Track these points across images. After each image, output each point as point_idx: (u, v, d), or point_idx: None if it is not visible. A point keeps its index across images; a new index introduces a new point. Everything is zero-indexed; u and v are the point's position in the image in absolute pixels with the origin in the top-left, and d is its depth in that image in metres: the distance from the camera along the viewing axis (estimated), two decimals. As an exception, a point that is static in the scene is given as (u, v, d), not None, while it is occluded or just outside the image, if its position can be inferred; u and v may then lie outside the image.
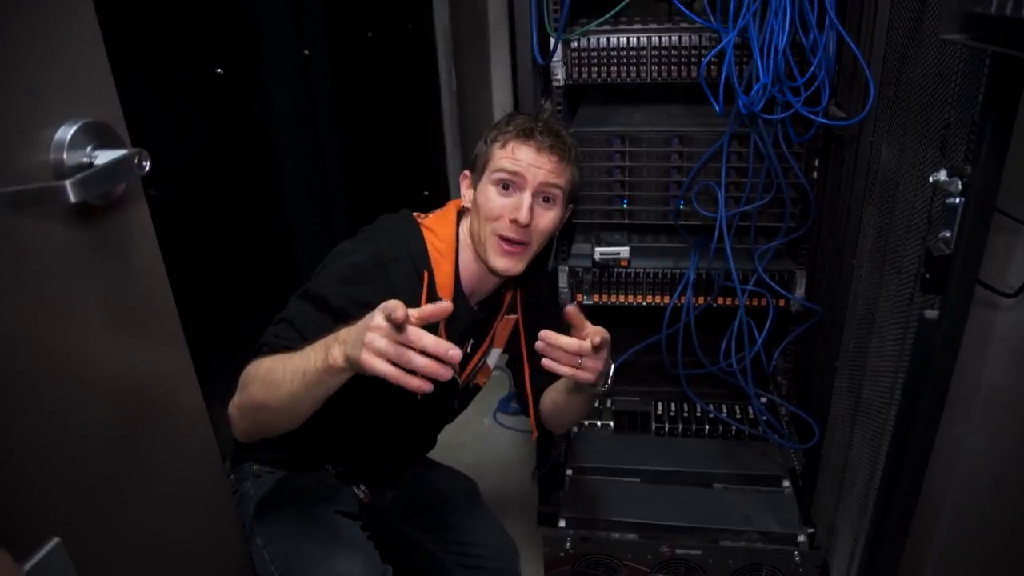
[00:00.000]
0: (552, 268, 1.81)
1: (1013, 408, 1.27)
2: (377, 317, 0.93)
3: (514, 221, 1.25)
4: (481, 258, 1.31)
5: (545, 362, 1.13)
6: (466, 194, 1.35)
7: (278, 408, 1.06)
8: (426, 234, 1.31)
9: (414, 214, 1.37)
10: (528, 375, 1.48)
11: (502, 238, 1.27)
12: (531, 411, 1.50)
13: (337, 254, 1.27)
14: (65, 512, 0.87)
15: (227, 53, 1.69)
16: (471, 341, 1.42)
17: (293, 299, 1.23)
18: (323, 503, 1.38)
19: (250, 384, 1.09)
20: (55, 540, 0.84)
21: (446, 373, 0.94)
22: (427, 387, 0.94)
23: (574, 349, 1.11)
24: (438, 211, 1.39)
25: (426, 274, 1.27)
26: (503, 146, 1.27)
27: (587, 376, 1.14)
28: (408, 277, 1.26)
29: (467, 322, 1.36)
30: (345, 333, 0.99)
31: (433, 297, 1.28)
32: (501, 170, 1.26)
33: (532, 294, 1.48)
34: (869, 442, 1.46)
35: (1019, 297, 1.18)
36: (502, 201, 1.27)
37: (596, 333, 1.13)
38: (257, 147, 1.86)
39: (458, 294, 1.32)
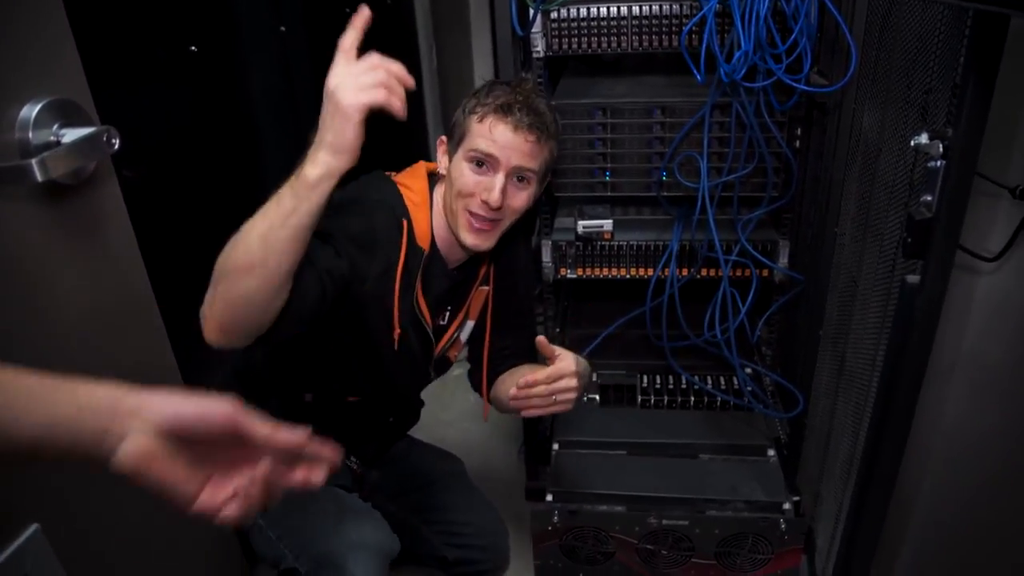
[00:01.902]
0: (535, 244, 1.80)
1: (993, 371, 1.28)
2: (344, 62, 0.94)
3: (485, 202, 1.24)
4: (451, 230, 1.30)
5: (525, 413, 1.20)
6: (441, 160, 1.35)
7: (250, 263, 0.95)
8: (401, 188, 1.31)
9: (386, 173, 1.37)
10: (487, 356, 1.48)
11: (472, 214, 1.26)
12: (484, 393, 1.50)
13: None
14: (44, 499, 0.86)
15: (201, 30, 1.66)
16: (448, 310, 1.42)
17: None
18: None
19: (219, 263, 0.98)
20: (34, 526, 0.83)
21: (409, 81, 0.96)
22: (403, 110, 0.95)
23: (544, 391, 1.16)
24: (408, 169, 1.39)
25: (405, 223, 1.26)
26: (480, 120, 1.25)
27: (565, 407, 1.19)
28: (388, 223, 1.25)
29: (443, 282, 1.36)
30: (312, 150, 0.97)
31: (412, 244, 1.27)
32: (476, 149, 1.25)
33: (506, 270, 1.47)
34: (852, 409, 1.47)
35: (1000, 261, 1.18)
36: (475, 179, 1.26)
37: (564, 357, 1.17)
38: (234, 126, 1.83)
39: (434, 247, 1.32)
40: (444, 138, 1.35)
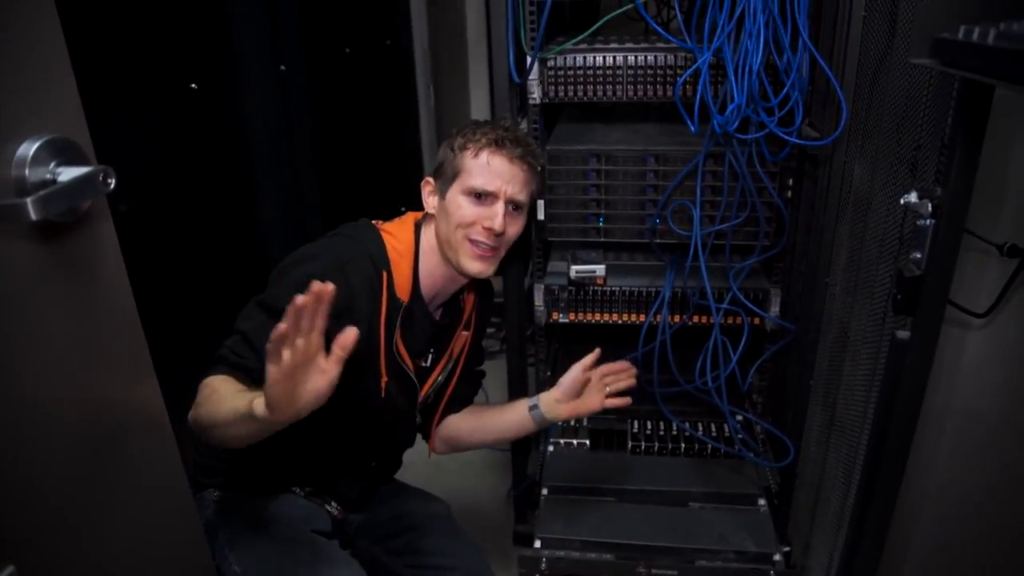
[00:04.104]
0: (528, 286, 1.80)
1: (983, 423, 1.28)
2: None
3: (488, 229, 1.27)
4: (452, 262, 1.32)
5: (613, 401, 1.50)
6: (429, 200, 1.37)
7: (224, 436, 1.08)
8: (385, 236, 1.33)
9: (373, 221, 1.38)
10: (448, 397, 1.50)
11: (474, 242, 1.29)
12: (432, 432, 1.55)
13: (295, 260, 1.26)
14: (21, 539, 0.84)
15: (202, 68, 1.67)
16: (431, 352, 1.42)
17: (252, 306, 1.21)
18: (298, 523, 1.35)
19: (202, 404, 1.10)
20: (9, 568, 0.81)
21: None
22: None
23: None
24: (397, 219, 1.41)
25: (384, 274, 1.28)
26: (475, 156, 1.29)
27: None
28: (367, 277, 1.26)
29: (427, 328, 1.37)
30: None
31: (392, 296, 1.29)
32: (475, 184, 1.28)
33: (484, 315, 1.51)
34: (844, 460, 1.46)
35: (989, 316, 1.19)
36: (476, 210, 1.29)
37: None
38: (232, 163, 1.84)
39: (415, 296, 1.33)
40: (429, 179, 1.37)
